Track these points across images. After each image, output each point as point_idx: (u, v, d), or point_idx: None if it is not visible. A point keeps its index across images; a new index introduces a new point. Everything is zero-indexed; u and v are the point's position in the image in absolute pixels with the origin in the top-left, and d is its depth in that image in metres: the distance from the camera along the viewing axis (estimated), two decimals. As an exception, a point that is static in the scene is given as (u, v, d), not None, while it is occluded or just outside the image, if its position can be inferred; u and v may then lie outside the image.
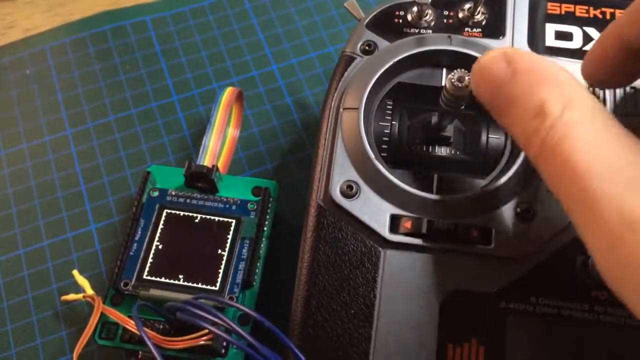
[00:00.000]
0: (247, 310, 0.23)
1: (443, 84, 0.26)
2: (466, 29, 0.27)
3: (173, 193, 0.30)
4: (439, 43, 0.26)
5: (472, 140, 0.26)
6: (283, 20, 0.39)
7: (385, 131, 0.26)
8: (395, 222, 0.23)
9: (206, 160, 0.30)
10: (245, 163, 0.34)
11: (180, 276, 0.28)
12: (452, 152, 0.26)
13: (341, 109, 0.25)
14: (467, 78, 0.21)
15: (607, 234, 0.15)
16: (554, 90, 0.18)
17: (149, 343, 0.24)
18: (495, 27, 0.27)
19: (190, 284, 0.27)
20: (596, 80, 0.23)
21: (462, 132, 0.26)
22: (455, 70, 0.21)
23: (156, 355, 0.23)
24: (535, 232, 0.23)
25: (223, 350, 0.27)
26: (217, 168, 0.30)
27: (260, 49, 0.38)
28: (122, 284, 0.27)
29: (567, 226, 0.23)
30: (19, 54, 0.38)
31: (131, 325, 0.26)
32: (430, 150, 0.26)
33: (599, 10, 0.27)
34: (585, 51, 0.26)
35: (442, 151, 0.26)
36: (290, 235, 0.31)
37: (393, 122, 0.26)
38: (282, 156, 0.35)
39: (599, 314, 0.22)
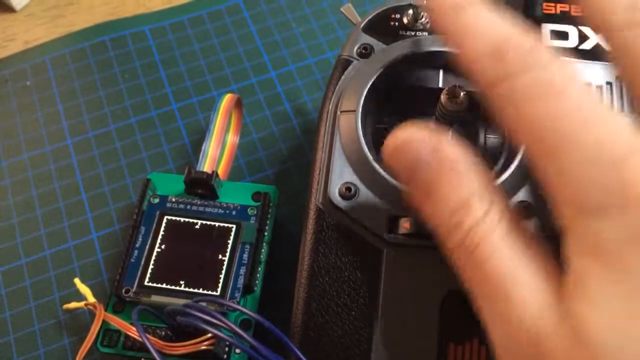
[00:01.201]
0: (248, 312, 0.23)
1: (440, 85, 0.26)
2: (462, 30, 0.27)
3: (173, 200, 0.30)
4: (435, 45, 0.26)
5: (470, 141, 0.26)
6: (281, 27, 0.39)
7: (384, 133, 0.26)
8: (394, 223, 0.23)
9: (206, 166, 0.30)
10: (245, 169, 0.35)
11: (182, 282, 0.28)
12: None
13: (338, 112, 0.25)
14: (462, 94, 0.21)
15: (507, 333, 0.17)
16: (477, 188, 0.18)
17: (151, 349, 0.24)
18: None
19: (191, 290, 0.27)
20: None
21: (459, 134, 0.26)
22: (449, 87, 0.22)
23: (158, 361, 0.23)
24: (533, 230, 0.22)
25: (225, 356, 0.27)
26: (217, 174, 0.30)
27: (258, 56, 0.38)
28: (123, 290, 0.28)
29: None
30: (19, 65, 0.38)
31: (133, 332, 0.26)
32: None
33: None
34: (581, 50, 0.26)
35: None
36: (290, 240, 0.31)
37: (390, 124, 0.26)
38: (282, 162, 0.35)
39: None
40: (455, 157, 0.19)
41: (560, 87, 0.17)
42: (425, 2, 0.20)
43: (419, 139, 0.19)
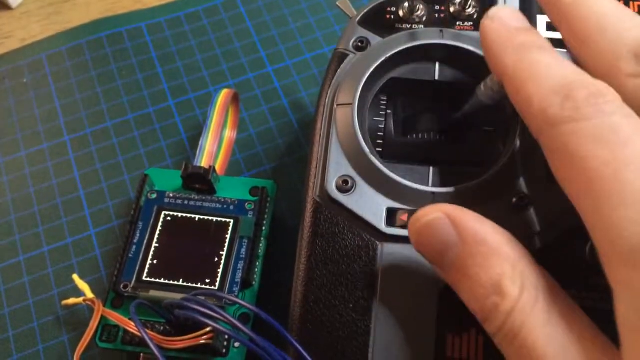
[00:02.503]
0: (246, 304, 0.23)
1: (436, 78, 0.26)
2: (458, 23, 0.27)
3: (171, 195, 0.30)
4: (431, 37, 0.26)
5: (467, 134, 0.26)
6: (277, 22, 0.39)
7: (380, 126, 0.26)
8: (391, 215, 0.23)
9: (203, 161, 0.30)
10: (243, 165, 0.35)
11: (180, 277, 0.28)
12: (447, 144, 0.26)
13: (335, 105, 0.25)
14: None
15: None
16: (507, 267, 0.18)
17: (150, 344, 0.24)
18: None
19: (189, 285, 0.27)
20: None
21: (457, 127, 0.26)
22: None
23: (158, 356, 0.23)
24: (530, 222, 0.23)
25: (224, 350, 0.27)
26: (214, 169, 0.30)
27: (255, 51, 0.38)
28: (121, 286, 0.28)
29: (562, 216, 0.23)
30: (16, 63, 0.38)
31: (132, 327, 0.26)
32: (425, 142, 0.26)
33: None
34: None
35: (437, 144, 0.26)
36: (288, 235, 0.31)
37: (387, 117, 0.26)
38: (280, 157, 0.35)
39: (595, 301, 0.22)
40: (480, 235, 0.18)
41: (626, 136, 0.16)
42: (483, 33, 0.20)
43: (438, 221, 0.19)
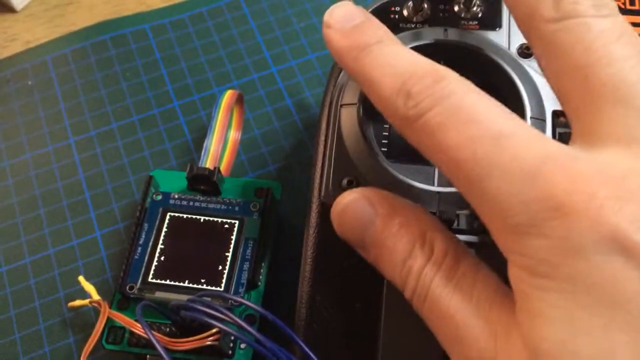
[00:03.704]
0: (252, 305, 0.23)
1: None
2: (462, 22, 0.27)
3: (176, 196, 0.30)
4: (435, 36, 0.26)
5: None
6: (281, 23, 0.39)
7: (385, 126, 0.26)
8: (397, 215, 0.23)
9: (208, 162, 0.30)
10: (247, 166, 0.35)
11: (185, 278, 0.28)
12: None
13: (339, 106, 0.25)
14: None
15: None
16: (418, 235, 0.19)
17: (157, 345, 0.24)
18: (491, 19, 0.27)
19: (195, 286, 0.27)
20: None
21: None
22: None
23: (165, 357, 0.23)
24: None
25: (230, 351, 0.27)
26: (219, 170, 0.30)
27: (259, 52, 0.38)
28: (127, 287, 0.28)
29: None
30: (20, 65, 0.38)
31: (138, 328, 0.26)
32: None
33: None
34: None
35: None
36: (294, 236, 0.31)
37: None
38: (285, 158, 0.35)
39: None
40: (393, 208, 0.20)
41: (468, 112, 0.17)
42: (326, 42, 0.21)
43: (355, 201, 0.20)
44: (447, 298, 0.18)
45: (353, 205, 0.20)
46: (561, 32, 0.18)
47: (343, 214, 0.20)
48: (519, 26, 0.20)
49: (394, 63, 0.19)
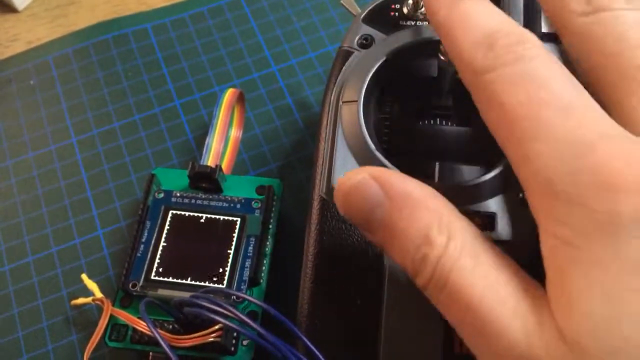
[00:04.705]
0: (254, 300, 0.23)
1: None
2: (462, 19, 0.27)
3: (178, 194, 0.30)
4: (435, 33, 0.26)
5: (473, 129, 0.26)
6: (281, 22, 0.39)
7: (386, 123, 0.26)
8: (398, 211, 0.23)
9: (209, 160, 0.30)
10: (249, 164, 0.35)
11: (188, 276, 0.28)
12: (453, 140, 0.26)
13: (340, 103, 0.25)
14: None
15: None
16: (433, 218, 0.18)
17: (162, 342, 0.24)
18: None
19: (197, 283, 0.28)
20: None
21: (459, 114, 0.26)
22: None
23: (170, 354, 0.23)
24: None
25: (232, 348, 0.27)
26: (221, 168, 0.30)
27: (260, 51, 0.38)
28: (130, 285, 0.28)
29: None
30: (22, 65, 0.38)
31: (141, 325, 0.26)
32: (431, 138, 0.26)
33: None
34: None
35: (443, 139, 0.26)
36: (295, 232, 0.31)
37: (392, 114, 0.26)
38: (286, 156, 0.35)
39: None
40: (406, 190, 0.19)
41: (544, 79, 0.17)
42: None
43: (364, 182, 0.19)
44: (470, 286, 0.17)
45: (360, 185, 0.19)
46: (594, 24, 0.18)
47: (348, 195, 0.19)
48: (550, 18, 0.20)
49: (483, 17, 0.19)
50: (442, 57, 0.23)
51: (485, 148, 0.25)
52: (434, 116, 0.26)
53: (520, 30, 0.18)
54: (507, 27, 0.18)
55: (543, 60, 0.18)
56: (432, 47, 0.26)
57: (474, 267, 0.17)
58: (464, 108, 0.26)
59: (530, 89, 0.17)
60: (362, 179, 0.19)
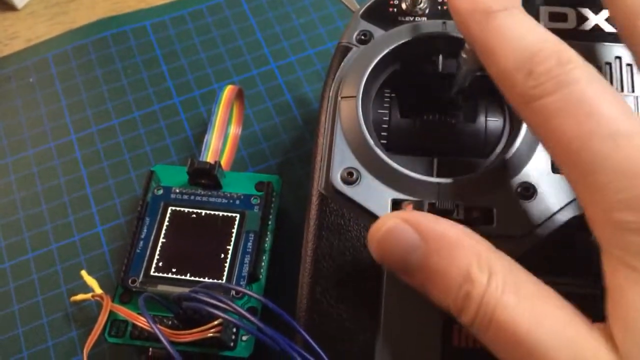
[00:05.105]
0: (253, 294, 0.23)
1: (440, 70, 0.26)
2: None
3: (177, 191, 0.30)
4: (434, 29, 0.26)
5: (471, 124, 0.26)
6: (280, 19, 0.39)
7: (384, 118, 0.26)
8: (396, 206, 0.23)
9: (208, 156, 0.30)
10: (248, 161, 0.35)
11: (187, 271, 0.28)
12: (452, 136, 0.26)
13: (339, 98, 0.25)
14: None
15: None
16: (472, 256, 0.18)
17: (162, 337, 0.24)
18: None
19: (196, 279, 0.28)
20: None
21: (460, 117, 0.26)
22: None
23: (170, 349, 0.23)
24: (535, 210, 0.23)
25: (232, 343, 0.27)
26: (220, 164, 0.30)
27: (259, 48, 0.38)
28: (129, 281, 0.28)
29: (567, 204, 0.23)
30: (22, 63, 0.38)
31: (141, 321, 0.26)
32: (429, 134, 0.26)
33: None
34: (580, 31, 0.26)
35: (442, 135, 0.26)
36: (294, 228, 0.31)
37: (391, 109, 0.26)
38: (285, 153, 0.35)
39: (601, 289, 0.22)
40: (441, 231, 0.19)
41: (590, 104, 0.17)
42: (448, 3, 0.20)
43: (397, 226, 0.19)
44: (516, 320, 0.17)
45: (394, 230, 0.19)
46: None
47: (384, 241, 0.19)
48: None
49: (519, 35, 0.18)
50: (464, 55, 0.23)
51: (482, 143, 0.25)
52: (434, 112, 0.26)
53: (559, 47, 0.18)
54: (544, 46, 0.18)
55: (586, 83, 0.17)
56: (429, 43, 0.26)
57: (517, 302, 0.17)
58: (471, 105, 0.26)
59: (579, 117, 0.17)
60: (395, 224, 0.19)
